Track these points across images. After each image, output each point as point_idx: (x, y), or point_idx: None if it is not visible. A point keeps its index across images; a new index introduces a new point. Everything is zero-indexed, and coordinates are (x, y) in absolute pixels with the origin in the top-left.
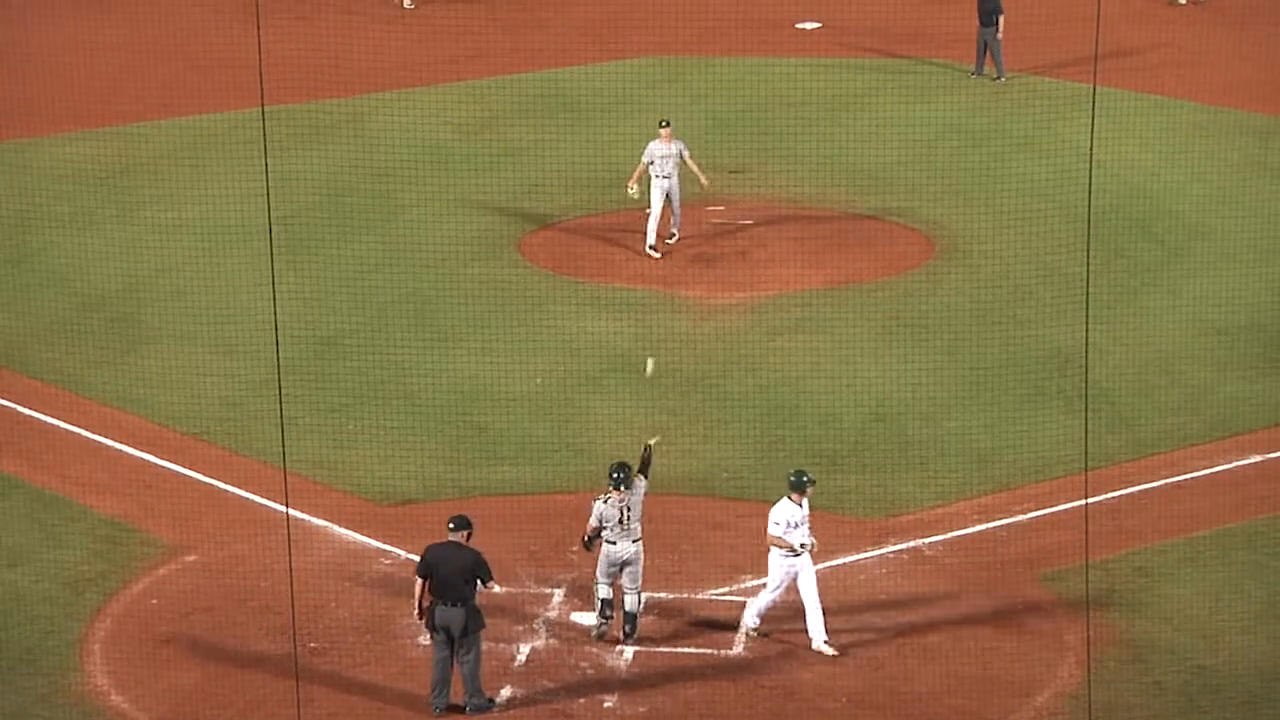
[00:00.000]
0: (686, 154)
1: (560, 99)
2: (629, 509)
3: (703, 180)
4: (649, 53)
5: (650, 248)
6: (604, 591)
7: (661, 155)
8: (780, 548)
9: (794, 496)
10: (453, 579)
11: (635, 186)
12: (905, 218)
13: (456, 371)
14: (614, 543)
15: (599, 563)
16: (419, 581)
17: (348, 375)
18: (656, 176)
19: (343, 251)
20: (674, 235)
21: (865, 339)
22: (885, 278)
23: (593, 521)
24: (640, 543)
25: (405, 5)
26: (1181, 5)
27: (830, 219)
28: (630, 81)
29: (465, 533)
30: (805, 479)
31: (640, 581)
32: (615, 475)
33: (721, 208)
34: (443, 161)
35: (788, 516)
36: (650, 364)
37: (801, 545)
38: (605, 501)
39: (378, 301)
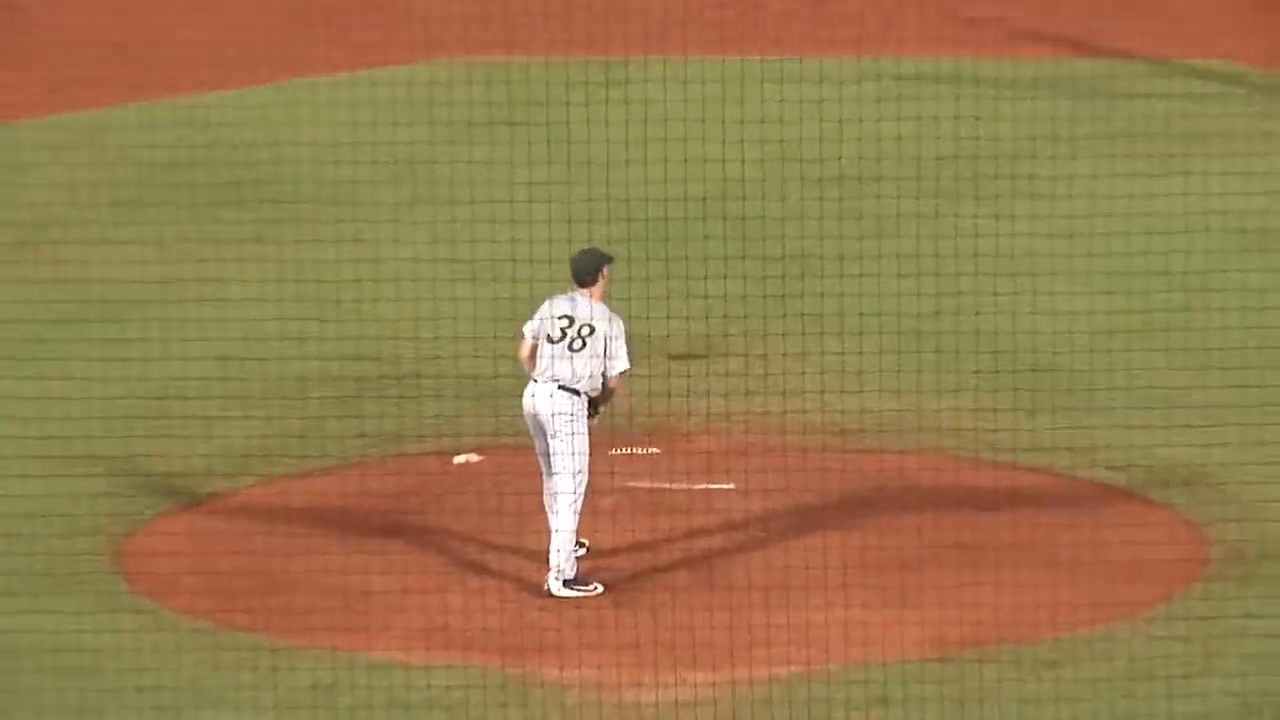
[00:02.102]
0: (615, 338)
1: (210, 171)
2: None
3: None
4: (453, 50)
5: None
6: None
7: (563, 325)
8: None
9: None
10: None
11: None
12: (1128, 474)
13: None
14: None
15: None
16: None
17: None
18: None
19: None
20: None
21: None
22: (1076, 631)
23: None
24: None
25: None
26: None
27: (931, 482)
28: (408, 106)
29: None
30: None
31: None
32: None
33: (655, 450)
34: None
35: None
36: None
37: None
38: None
39: None
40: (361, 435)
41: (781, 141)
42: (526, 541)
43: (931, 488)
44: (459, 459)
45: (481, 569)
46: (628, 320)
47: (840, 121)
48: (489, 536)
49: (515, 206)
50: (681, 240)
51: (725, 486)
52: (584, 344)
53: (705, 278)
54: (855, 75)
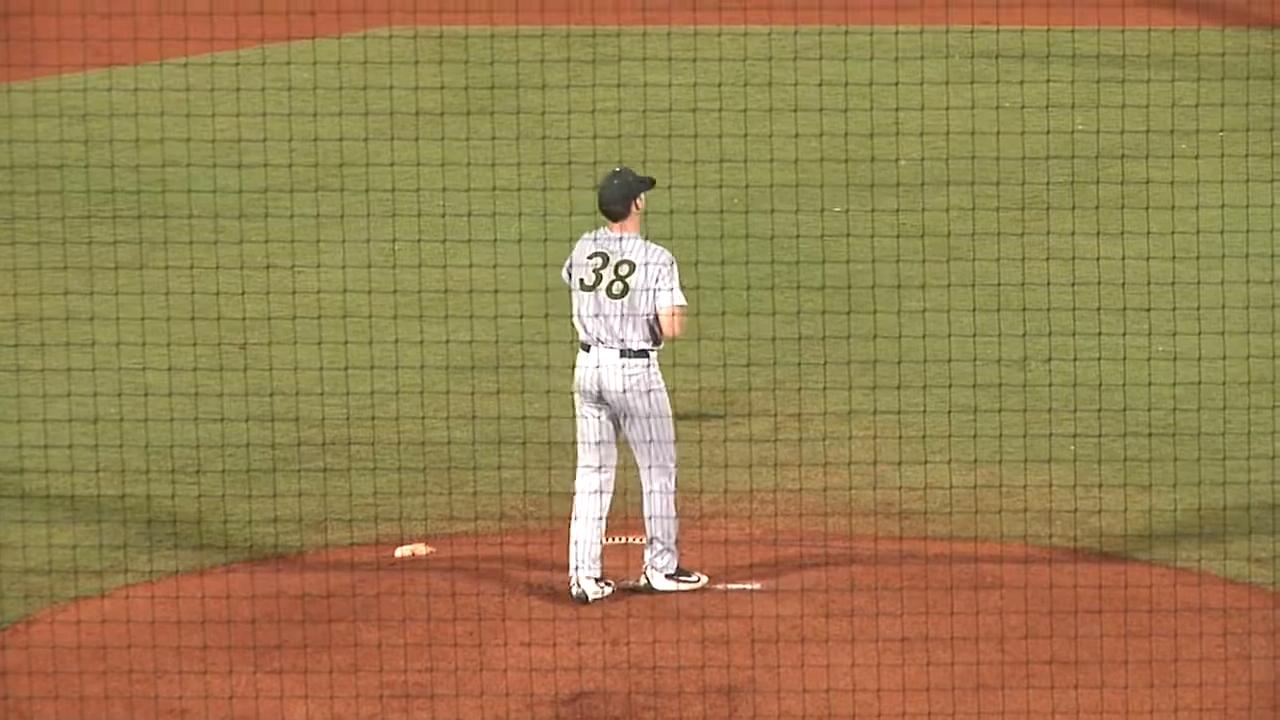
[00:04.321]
0: (665, 283)
1: (78, 176)
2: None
3: None
4: (394, 19)
5: (594, 581)
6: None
7: (596, 265)
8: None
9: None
10: None
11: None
12: (1276, 569)
13: None
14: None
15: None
16: None
17: None
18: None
19: None
20: (654, 556)
21: None
22: None
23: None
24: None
25: None
26: None
27: (1017, 580)
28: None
29: None
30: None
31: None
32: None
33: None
34: None
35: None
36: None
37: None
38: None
39: None
40: (274, 520)
41: (821, 136)
42: (490, 657)
43: (1017, 586)
44: (402, 551)
45: (431, 694)
46: None
47: (897, 110)
48: (441, 651)
49: (475, 221)
50: (691, 265)
51: (748, 587)
52: (624, 287)
53: (722, 313)
54: (917, 50)
